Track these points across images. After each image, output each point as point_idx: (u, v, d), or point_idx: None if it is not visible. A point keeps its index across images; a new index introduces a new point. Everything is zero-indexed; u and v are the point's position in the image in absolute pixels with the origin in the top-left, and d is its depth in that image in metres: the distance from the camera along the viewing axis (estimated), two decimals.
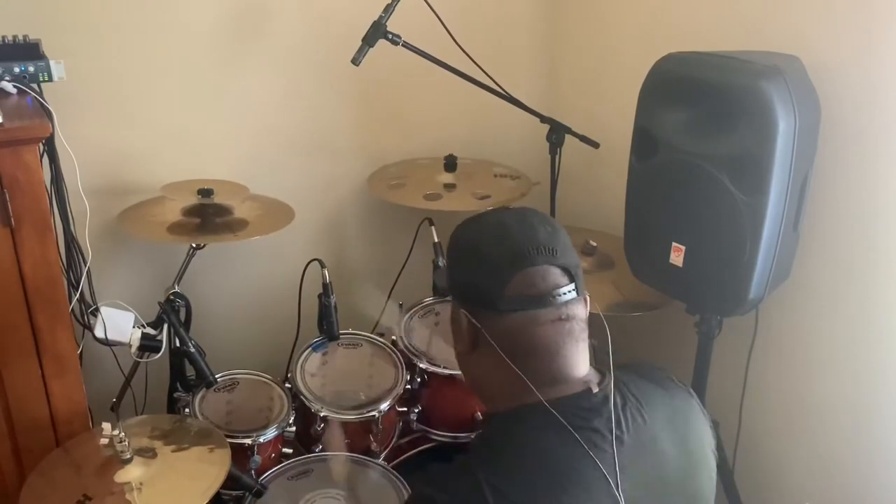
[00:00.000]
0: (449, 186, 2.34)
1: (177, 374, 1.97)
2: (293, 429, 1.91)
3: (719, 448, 1.94)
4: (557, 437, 1.03)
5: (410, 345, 2.08)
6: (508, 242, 1.07)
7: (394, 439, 2.05)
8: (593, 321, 1.14)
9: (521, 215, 1.12)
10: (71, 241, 1.88)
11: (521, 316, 1.05)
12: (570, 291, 1.07)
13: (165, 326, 1.84)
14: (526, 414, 1.06)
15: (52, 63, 1.74)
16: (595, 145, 2.19)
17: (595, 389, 1.07)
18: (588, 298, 1.13)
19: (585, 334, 1.10)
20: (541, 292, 1.05)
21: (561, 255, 1.07)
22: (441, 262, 2.19)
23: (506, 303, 1.05)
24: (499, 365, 1.07)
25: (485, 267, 1.07)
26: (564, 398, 1.06)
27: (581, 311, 1.09)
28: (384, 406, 1.94)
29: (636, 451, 1.06)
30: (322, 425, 1.92)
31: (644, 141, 1.80)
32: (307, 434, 1.95)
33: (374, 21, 1.98)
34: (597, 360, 1.14)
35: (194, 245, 1.97)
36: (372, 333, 2.17)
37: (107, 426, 1.57)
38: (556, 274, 1.06)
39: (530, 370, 1.06)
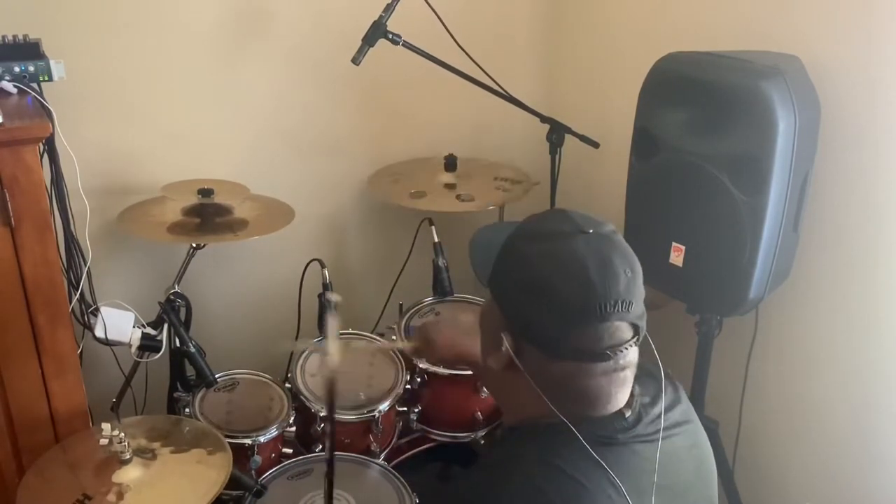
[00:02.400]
0: (449, 186, 2.34)
1: (177, 374, 1.97)
2: (293, 429, 1.91)
3: (719, 448, 1.95)
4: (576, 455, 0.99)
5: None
6: (585, 292, 0.95)
7: (394, 439, 2.05)
8: None
9: (601, 250, 0.99)
10: (71, 241, 1.88)
11: (575, 366, 0.99)
12: (632, 346, 1.00)
13: (165, 326, 1.84)
14: (545, 430, 1.02)
15: (52, 63, 1.73)
16: (595, 145, 2.19)
17: (627, 413, 1.04)
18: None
19: (634, 374, 1.04)
20: (604, 348, 0.97)
21: (635, 306, 0.99)
22: (442, 261, 2.19)
23: (563, 352, 0.98)
24: (532, 393, 1.00)
25: (551, 311, 0.97)
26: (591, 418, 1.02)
27: (636, 357, 1.02)
28: (384, 406, 1.94)
29: (666, 470, 1.04)
30: (322, 425, 1.92)
31: (644, 141, 1.79)
32: (307, 434, 1.95)
33: (374, 21, 1.98)
34: None
35: (194, 245, 1.97)
36: (372, 333, 2.17)
37: (106, 426, 1.57)
38: (624, 330, 0.98)
39: (567, 410, 1.00)
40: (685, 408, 1.14)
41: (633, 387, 1.05)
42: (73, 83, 1.79)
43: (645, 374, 1.09)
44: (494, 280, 1.04)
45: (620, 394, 1.03)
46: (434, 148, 2.49)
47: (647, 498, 1.01)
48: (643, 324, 1.02)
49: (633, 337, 1.00)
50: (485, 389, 2.00)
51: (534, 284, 0.98)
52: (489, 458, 1.13)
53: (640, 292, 1.01)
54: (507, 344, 1.01)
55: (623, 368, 1.01)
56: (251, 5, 2.19)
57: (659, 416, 1.06)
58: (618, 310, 0.97)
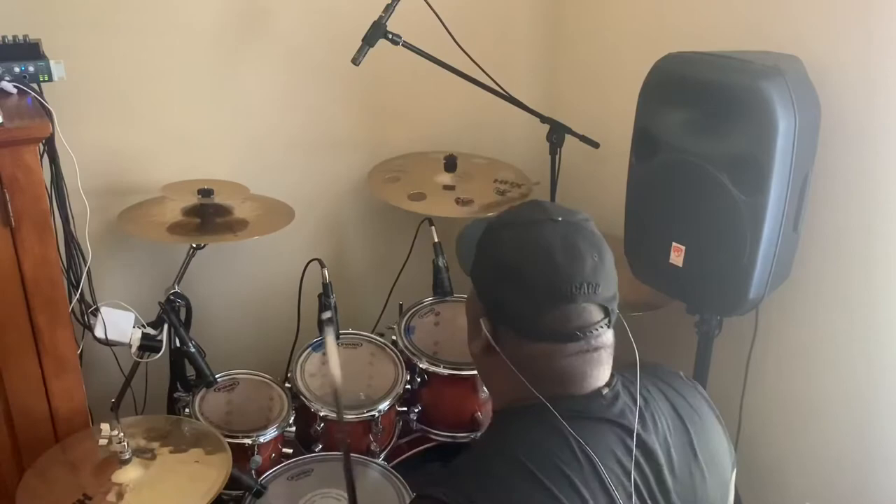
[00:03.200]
0: (448, 188, 2.33)
1: (177, 374, 1.97)
2: (293, 429, 1.91)
3: None
4: (550, 433, 1.02)
5: (410, 344, 2.08)
6: (550, 273, 1.01)
7: (394, 439, 2.05)
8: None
9: (567, 235, 1.04)
10: (71, 241, 1.88)
11: (548, 346, 1.03)
12: (603, 327, 1.04)
13: (165, 326, 1.84)
14: (526, 412, 1.05)
15: (52, 63, 1.73)
16: (595, 145, 2.19)
17: (605, 391, 1.06)
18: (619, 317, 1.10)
19: (612, 356, 1.07)
20: (573, 328, 1.02)
21: (603, 289, 1.02)
22: (442, 261, 2.19)
23: (535, 333, 1.03)
24: (512, 376, 1.05)
25: (521, 292, 1.02)
26: (569, 397, 1.05)
27: (610, 338, 1.07)
28: (384, 406, 1.94)
29: (650, 453, 1.06)
30: (322, 425, 1.92)
31: (644, 141, 1.80)
32: (307, 434, 1.95)
33: (375, 21, 1.98)
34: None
35: (194, 245, 1.97)
36: (372, 333, 2.17)
37: (105, 426, 1.57)
38: (592, 311, 1.03)
39: (547, 391, 1.04)
40: (694, 403, 1.16)
41: (616, 369, 1.10)
42: (73, 83, 1.79)
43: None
44: (474, 267, 1.10)
45: (596, 372, 1.06)
46: (434, 148, 2.49)
47: (626, 470, 1.03)
48: (614, 306, 1.06)
49: (603, 318, 1.04)
50: (485, 389, 2.00)
51: (505, 268, 1.04)
52: (476, 442, 1.17)
53: (608, 276, 1.05)
54: (484, 328, 1.06)
55: (596, 349, 1.05)
56: (251, 5, 2.19)
57: (646, 405, 1.09)
58: (584, 291, 1.01)
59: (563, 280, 1.00)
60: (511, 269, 1.03)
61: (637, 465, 1.04)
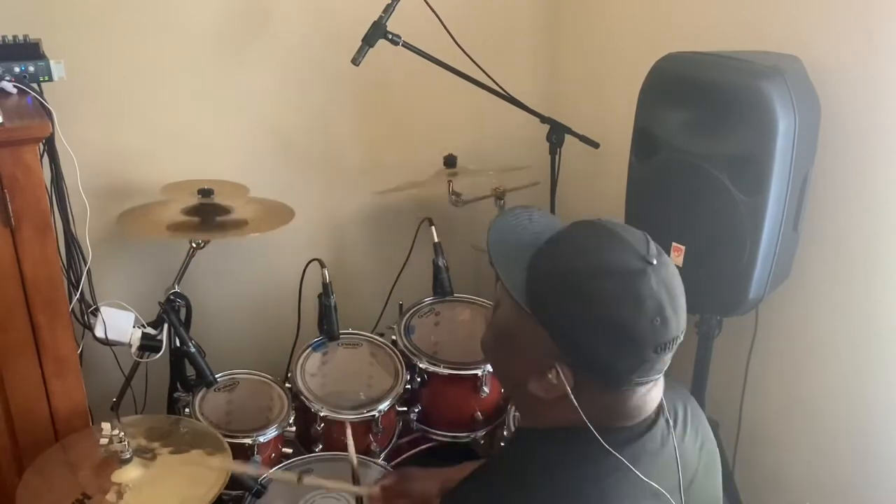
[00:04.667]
0: (448, 186, 2.33)
1: (177, 374, 1.97)
2: (293, 429, 1.91)
3: (719, 448, 1.94)
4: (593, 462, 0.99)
5: (410, 344, 2.08)
6: (663, 331, 0.95)
7: (394, 439, 2.05)
8: None
9: (669, 284, 0.97)
10: (71, 241, 1.88)
11: (630, 391, 0.99)
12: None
13: (165, 326, 1.84)
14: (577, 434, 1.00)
15: (52, 63, 1.73)
16: (595, 145, 2.19)
17: (650, 417, 1.04)
18: None
19: None
20: (659, 372, 0.99)
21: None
22: (442, 261, 2.19)
23: (625, 383, 0.98)
24: (568, 408, 0.99)
25: (627, 348, 0.95)
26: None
27: None
28: (384, 406, 1.95)
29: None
30: (322, 425, 1.92)
31: (644, 141, 1.79)
32: (307, 434, 1.95)
33: (374, 21, 1.98)
34: None
35: (194, 244, 1.96)
36: (372, 333, 2.17)
37: (106, 426, 1.57)
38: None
39: (599, 424, 1.00)
40: (692, 407, 1.15)
41: None
42: (73, 83, 1.79)
43: None
44: (548, 308, 0.98)
45: (649, 406, 1.04)
46: (434, 148, 2.49)
47: (675, 496, 1.01)
48: None
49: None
50: (485, 389, 2.00)
51: (611, 324, 0.95)
52: (501, 457, 1.13)
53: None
54: (562, 375, 0.98)
55: (659, 381, 1.03)
56: (251, 5, 2.19)
57: (672, 419, 1.07)
58: (679, 336, 0.98)
59: (672, 335, 0.96)
60: (621, 326, 0.94)
61: (681, 486, 1.03)
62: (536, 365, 1.00)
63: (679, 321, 0.97)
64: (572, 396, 0.98)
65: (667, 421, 1.05)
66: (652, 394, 1.02)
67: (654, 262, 0.97)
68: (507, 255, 1.02)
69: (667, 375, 1.12)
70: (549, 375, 0.98)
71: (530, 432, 1.08)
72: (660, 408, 1.05)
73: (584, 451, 0.99)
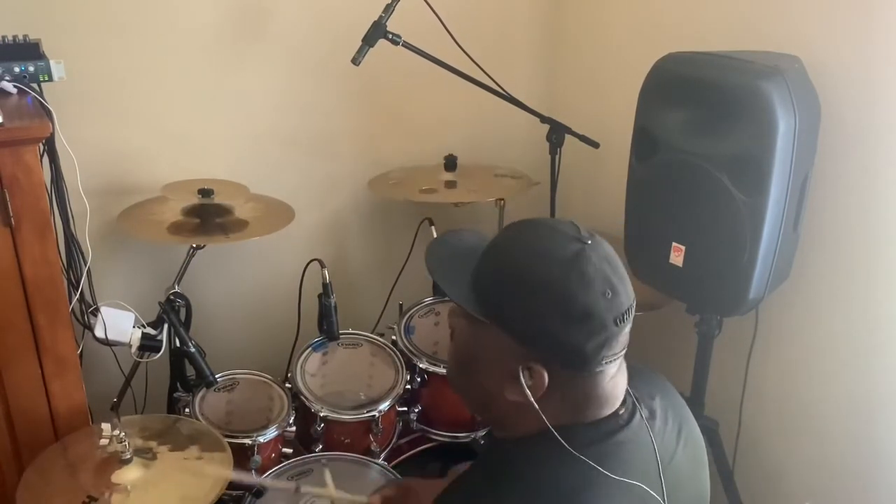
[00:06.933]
0: (449, 184, 2.34)
1: (177, 374, 1.97)
2: (293, 429, 1.91)
3: (719, 448, 1.95)
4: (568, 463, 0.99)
5: (410, 344, 2.08)
6: (615, 302, 0.96)
7: (394, 439, 2.05)
8: None
9: (607, 257, 0.99)
10: (71, 241, 1.88)
11: (597, 374, 1.00)
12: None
13: (165, 326, 1.84)
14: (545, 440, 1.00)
15: (52, 63, 1.73)
16: (595, 145, 2.19)
17: (621, 410, 1.05)
18: None
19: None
20: (623, 347, 1.00)
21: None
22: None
23: (597, 363, 0.98)
24: (534, 414, 0.99)
25: (589, 328, 0.96)
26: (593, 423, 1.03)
27: None
28: (384, 406, 1.94)
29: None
30: (322, 425, 1.92)
31: (644, 141, 1.79)
32: (307, 434, 1.95)
33: (374, 21, 1.98)
34: None
35: (194, 245, 1.97)
36: (372, 333, 2.17)
37: (106, 426, 1.57)
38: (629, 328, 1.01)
39: (572, 419, 1.01)
40: (663, 398, 1.15)
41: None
42: (73, 83, 1.79)
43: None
44: (504, 311, 0.99)
45: (621, 393, 1.05)
46: (434, 148, 2.49)
47: (656, 488, 1.02)
48: None
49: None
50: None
51: (566, 308, 0.96)
52: (480, 467, 1.12)
53: None
54: (536, 375, 0.99)
55: (624, 359, 1.04)
56: (251, 5, 2.19)
57: (648, 410, 1.08)
58: (631, 311, 0.99)
59: (624, 306, 0.98)
60: (577, 307, 0.95)
61: (662, 477, 1.03)
62: (508, 372, 1.00)
63: (627, 290, 0.99)
64: (544, 388, 0.99)
65: (638, 410, 1.06)
66: (618, 378, 1.03)
67: (589, 241, 1.00)
68: (450, 274, 1.06)
69: (657, 376, 1.13)
70: (523, 378, 0.99)
71: (504, 441, 1.08)
72: (634, 400, 1.07)
73: (558, 454, 0.99)
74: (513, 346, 0.99)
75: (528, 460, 1.02)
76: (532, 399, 0.99)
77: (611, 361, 0.99)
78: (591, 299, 0.96)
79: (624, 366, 1.04)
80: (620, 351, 1.01)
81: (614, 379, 1.03)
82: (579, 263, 0.97)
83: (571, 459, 0.98)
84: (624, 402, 1.05)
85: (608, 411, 1.03)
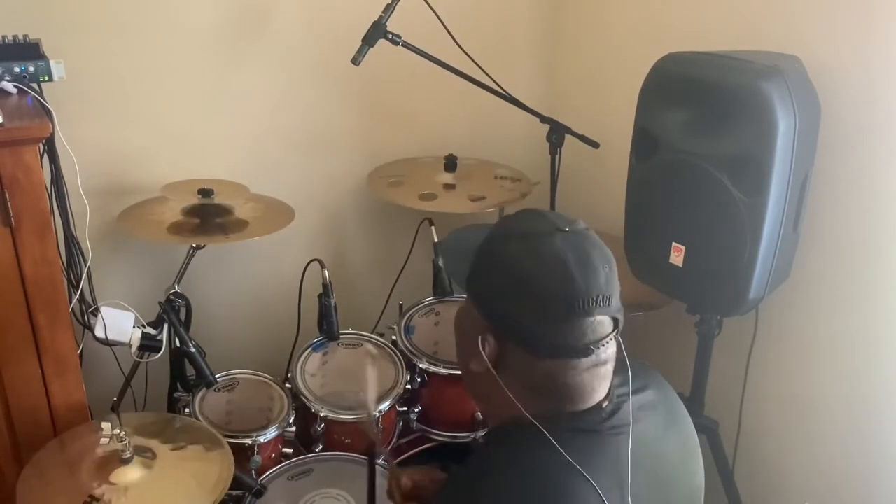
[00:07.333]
0: (448, 186, 2.34)
1: (177, 374, 1.97)
2: (293, 429, 1.91)
3: (719, 448, 1.95)
4: (552, 454, 1.00)
5: (410, 344, 2.08)
6: (568, 287, 0.97)
7: (394, 439, 2.05)
8: None
9: (579, 246, 1.00)
10: (71, 241, 1.88)
11: (559, 363, 1.00)
12: (612, 340, 1.02)
13: (165, 326, 1.84)
14: (526, 429, 1.02)
15: (52, 63, 1.73)
16: (595, 145, 2.19)
17: (605, 405, 1.05)
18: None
19: (613, 367, 1.06)
20: (587, 344, 0.99)
21: (614, 300, 1.01)
22: (442, 261, 2.19)
23: (547, 349, 0.99)
24: (514, 393, 1.02)
25: (535, 307, 0.98)
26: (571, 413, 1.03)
27: (614, 350, 1.05)
28: (384, 406, 1.94)
29: (640, 453, 1.05)
30: (322, 425, 1.92)
31: (644, 141, 1.80)
32: (307, 434, 1.95)
33: (374, 21, 1.98)
34: None
35: (194, 245, 1.97)
36: (372, 333, 2.17)
37: (107, 425, 1.57)
38: (605, 324, 1.00)
39: (548, 408, 1.02)
40: (656, 390, 1.15)
41: (612, 379, 1.07)
42: (73, 83, 1.79)
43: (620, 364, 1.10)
44: (473, 282, 1.06)
45: (601, 387, 1.05)
46: (434, 148, 2.49)
47: (624, 487, 1.01)
48: (622, 317, 1.04)
49: (612, 331, 1.02)
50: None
51: (516, 283, 1.00)
52: (472, 460, 1.13)
53: (618, 287, 1.03)
54: (489, 346, 1.02)
55: (604, 363, 1.03)
56: (251, 5, 2.19)
57: (640, 404, 1.08)
58: (599, 304, 0.99)
59: (580, 293, 0.97)
60: (525, 283, 0.99)
61: (635, 479, 1.02)
62: (472, 344, 1.04)
63: (592, 282, 0.98)
64: (498, 361, 1.02)
65: (621, 403, 1.06)
66: (593, 375, 1.02)
67: (567, 229, 1.02)
68: (461, 245, 1.12)
69: (650, 370, 1.13)
70: (481, 347, 1.02)
71: (491, 431, 1.13)
72: (619, 394, 1.07)
73: (532, 447, 1.00)
74: (477, 317, 1.04)
75: (501, 445, 1.06)
76: (490, 367, 1.02)
77: (572, 357, 0.99)
78: (538, 280, 0.98)
79: (608, 367, 1.04)
80: (590, 347, 0.99)
81: (583, 374, 1.01)
82: (537, 243, 1.00)
83: (549, 453, 0.98)
84: (608, 397, 1.05)
85: (587, 405, 1.03)
